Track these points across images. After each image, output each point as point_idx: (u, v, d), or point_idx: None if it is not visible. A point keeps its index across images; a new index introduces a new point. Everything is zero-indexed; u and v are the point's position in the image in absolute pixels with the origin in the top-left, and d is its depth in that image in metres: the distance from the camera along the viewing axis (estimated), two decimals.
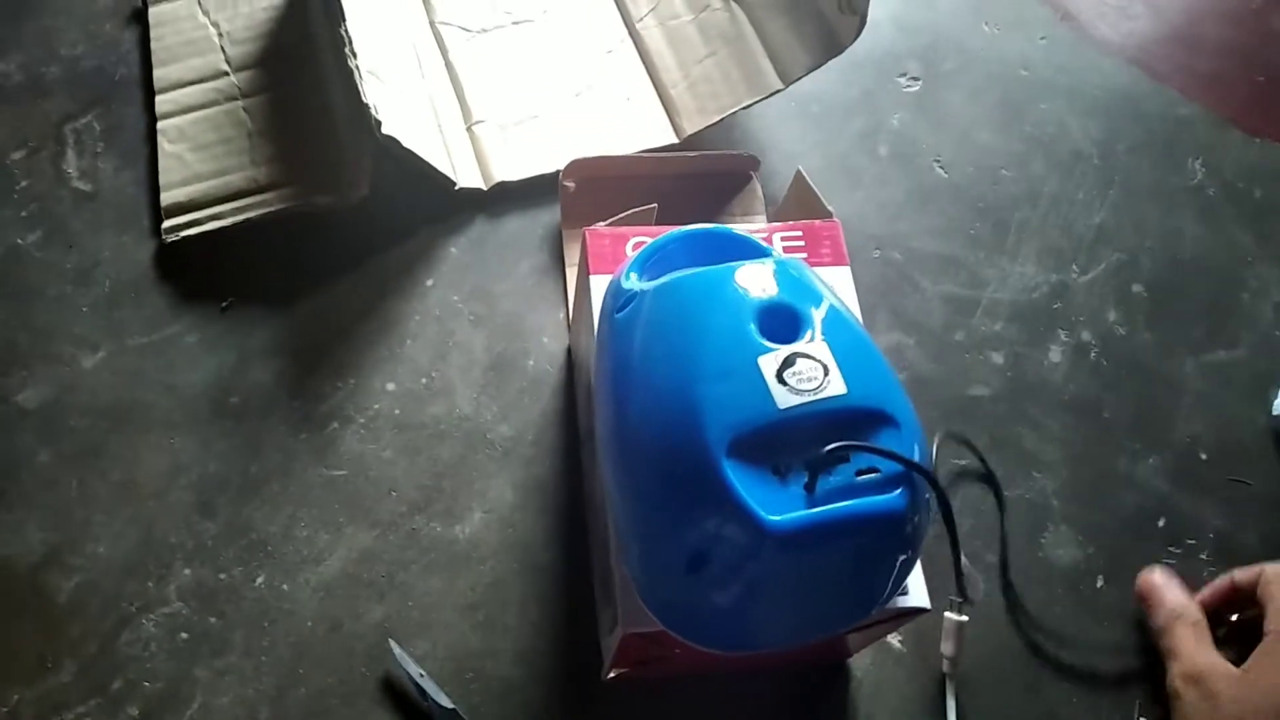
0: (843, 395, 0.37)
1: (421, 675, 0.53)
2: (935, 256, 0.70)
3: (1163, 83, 0.79)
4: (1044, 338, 0.67)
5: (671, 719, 0.54)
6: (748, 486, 0.36)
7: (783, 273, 0.41)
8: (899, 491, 0.36)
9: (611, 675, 0.53)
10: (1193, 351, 0.68)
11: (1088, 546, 0.61)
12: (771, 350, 0.38)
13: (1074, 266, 0.71)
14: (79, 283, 0.63)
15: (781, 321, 0.39)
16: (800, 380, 0.37)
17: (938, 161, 0.74)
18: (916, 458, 0.37)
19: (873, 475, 0.37)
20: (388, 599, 0.56)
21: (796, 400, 0.37)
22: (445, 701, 0.52)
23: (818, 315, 0.39)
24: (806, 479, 0.37)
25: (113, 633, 0.53)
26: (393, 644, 0.53)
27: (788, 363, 0.37)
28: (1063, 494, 0.62)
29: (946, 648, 0.54)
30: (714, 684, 0.54)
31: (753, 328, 0.38)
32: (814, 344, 0.38)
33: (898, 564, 0.38)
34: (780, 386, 0.37)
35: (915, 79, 0.78)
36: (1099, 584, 0.59)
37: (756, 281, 0.40)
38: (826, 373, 0.37)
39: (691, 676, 0.54)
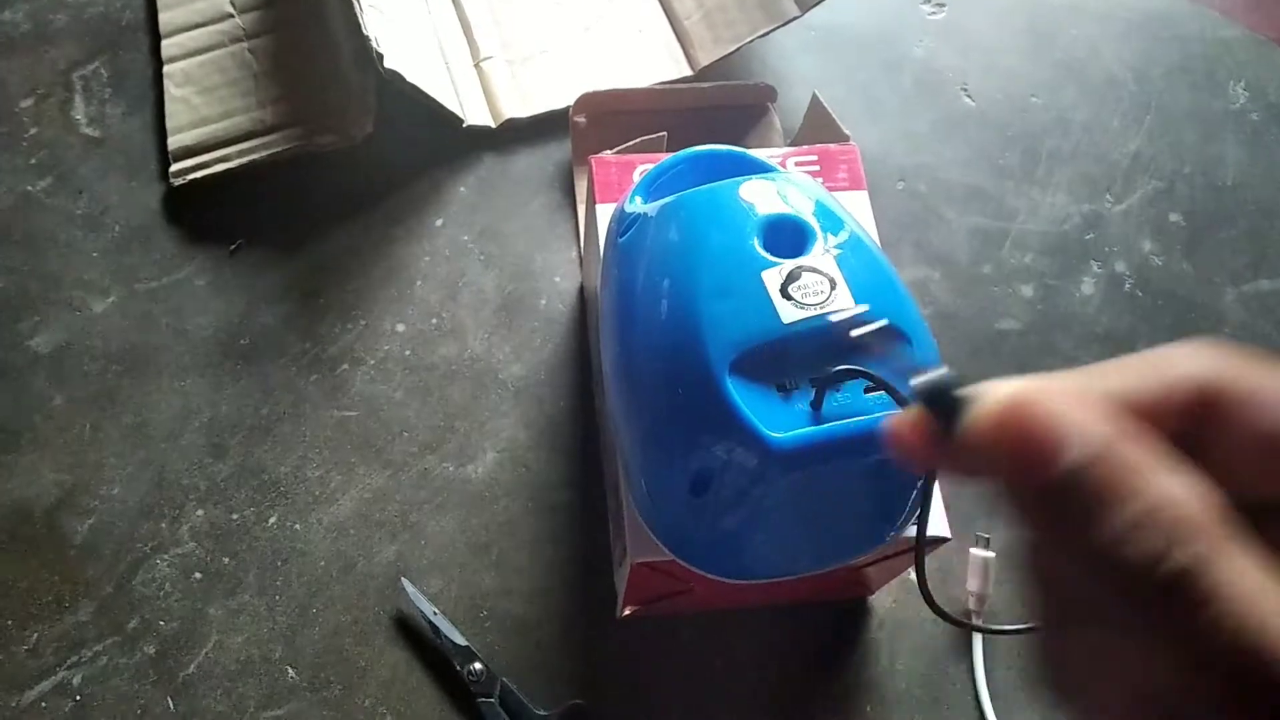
0: (850, 310, 0.35)
1: (435, 614, 0.52)
2: (962, 187, 0.67)
3: (1201, 2, 0.76)
4: (1076, 269, 0.65)
5: (687, 657, 0.53)
6: (751, 404, 0.35)
7: (789, 188, 0.39)
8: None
9: (626, 613, 0.52)
10: (1233, 281, 0.65)
11: None
12: (775, 264, 0.36)
13: (1108, 195, 0.68)
14: (88, 228, 0.63)
15: (786, 236, 0.37)
16: (805, 294, 0.35)
17: (964, 89, 0.71)
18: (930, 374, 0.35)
19: (882, 393, 0.35)
20: (400, 538, 0.55)
21: (800, 314, 0.35)
22: (459, 639, 0.52)
23: (825, 230, 0.37)
24: (813, 396, 0.35)
25: (128, 573, 0.54)
26: (405, 583, 0.53)
27: (792, 276, 0.36)
28: None
29: (973, 584, 0.53)
30: (730, 621, 0.53)
31: (756, 242, 0.37)
32: (820, 258, 0.36)
33: (911, 487, 0.36)
34: (784, 301, 0.35)
35: (940, 5, 0.75)
36: None
37: (761, 196, 0.39)
38: (833, 286, 0.36)
39: (707, 614, 0.53)
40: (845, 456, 0.34)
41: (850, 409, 0.34)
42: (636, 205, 0.44)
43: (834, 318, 0.34)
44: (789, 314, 0.35)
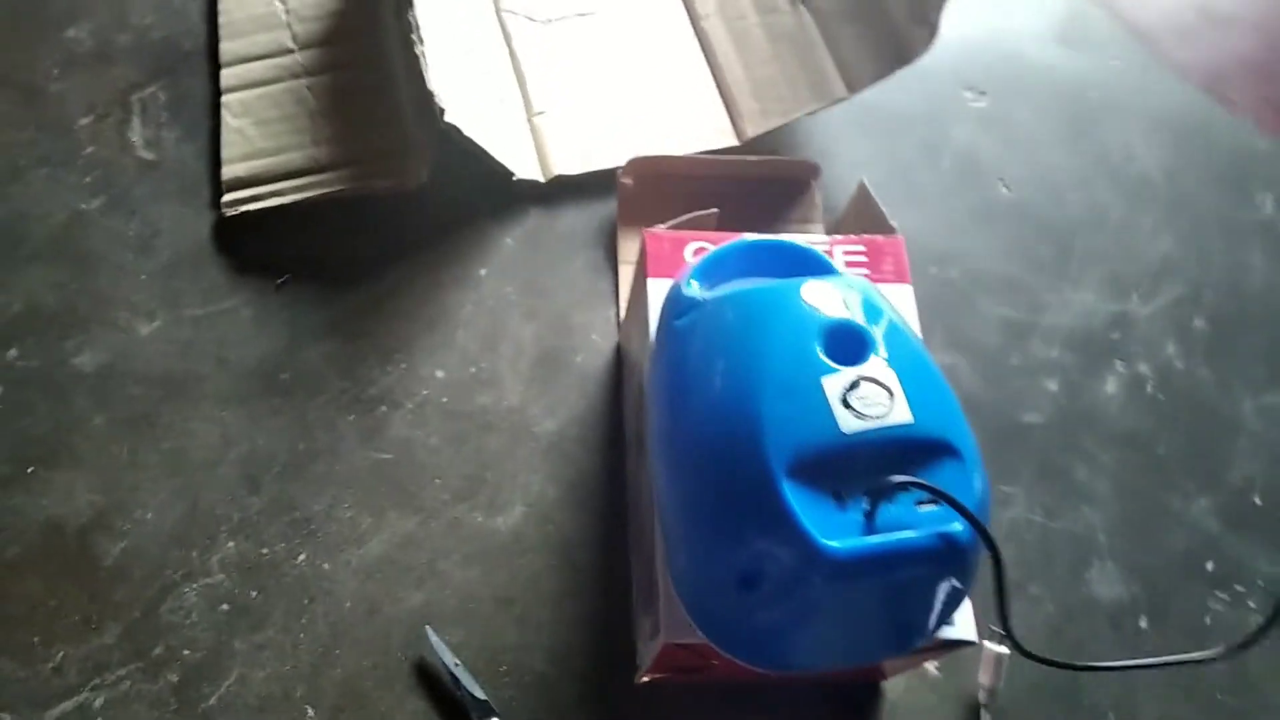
0: (908, 424, 0.36)
1: (456, 665, 0.53)
2: (995, 277, 0.69)
3: (1238, 113, 0.78)
4: (1100, 367, 0.66)
5: None
6: (806, 509, 0.36)
7: (849, 291, 0.41)
8: (961, 526, 0.35)
9: (645, 680, 0.53)
10: (1252, 391, 0.66)
11: (1133, 585, 0.60)
12: (836, 372, 0.37)
13: (1135, 296, 0.69)
14: (139, 251, 0.64)
15: (847, 342, 0.38)
16: (865, 405, 0.37)
17: (1002, 180, 0.73)
18: (977, 490, 0.37)
19: (934, 508, 0.36)
20: (427, 585, 0.56)
21: (861, 425, 0.36)
22: (479, 693, 0.53)
23: (884, 338, 0.39)
24: (867, 506, 0.36)
25: (156, 599, 0.54)
26: (429, 631, 0.54)
27: (853, 386, 0.37)
28: (1111, 529, 0.61)
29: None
30: (746, 694, 0.54)
31: (817, 347, 0.38)
32: (880, 368, 0.37)
33: (951, 597, 0.37)
34: (844, 410, 0.37)
35: (982, 93, 0.76)
36: (1142, 624, 0.58)
37: (823, 299, 0.40)
38: (892, 398, 0.37)
39: (724, 685, 0.54)
40: (896, 569, 0.35)
41: (902, 521, 0.36)
42: (694, 290, 0.45)
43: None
44: (849, 424, 0.36)
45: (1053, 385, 0.65)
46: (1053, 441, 0.63)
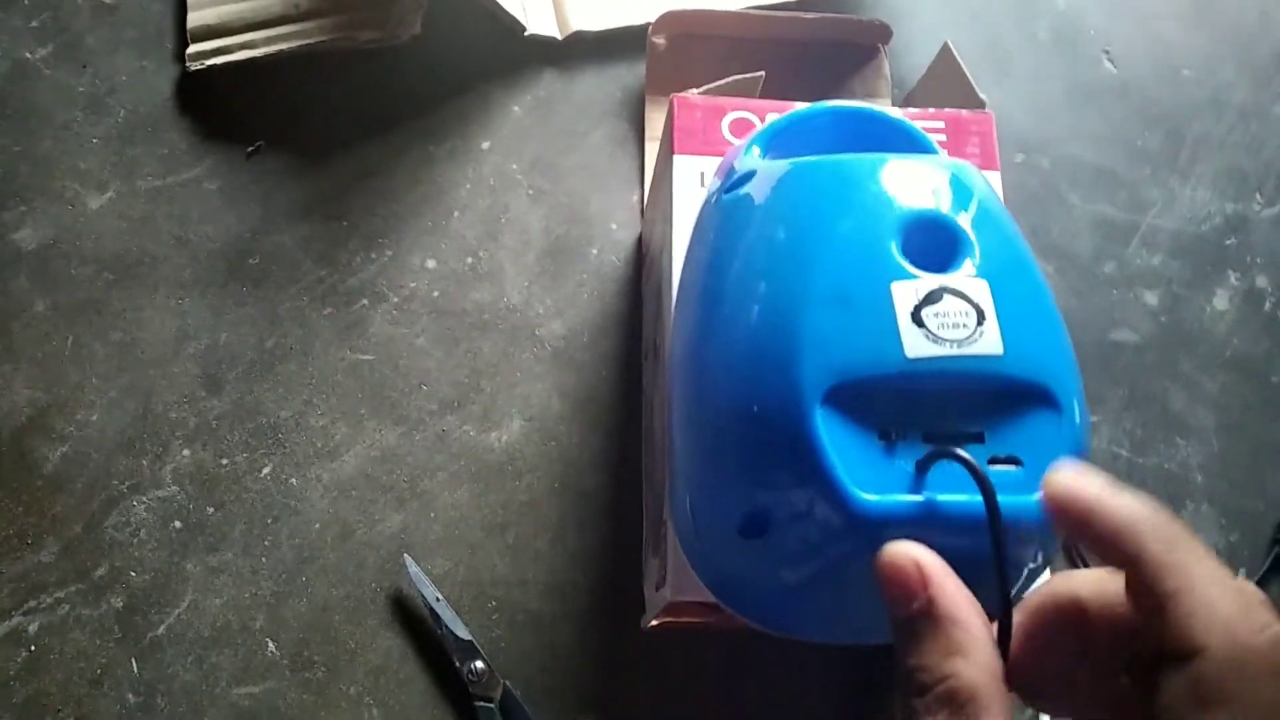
0: (995, 356, 0.27)
1: (438, 599, 0.46)
2: (1091, 168, 0.58)
3: None
4: (1210, 279, 0.56)
5: (716, 678, 0.47)
6: (842, 449, 0.27)
7: (945, 175, 0.31)
8: (1037, 498, 0.26)
9: (654, 624, 0.46)
10: None
11: (1231, 533, 0.51)
12: (913, 278, 0.28)
13: (1258, 196, 0.58)
14: (91, 110, 0.55)
15: (933, 241, 0.29)
16: (942, 325, 0.27)
17: (1106, 53, 0.61)
18: (1075, 454, 0.28)
19: (1012, 469, 0.27)
20: (407, 507, 0.49)
21: (933, 350, 0.27)
22: (462, 632, 0.46)
23: (982, 242, 0.29)
24: (920, 455, 0.27)
25: (100, 513, 0.48)
26: (408, 560, 0.47)
27: (931, 298, 0.28)
28: (1209, 468, 0.52)
29: None
30: (766, 644, 0.47)
31: (894, 244, 0.29)
32: (971, 279, 0.28)
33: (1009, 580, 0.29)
34: (914, 328, 0.28)
35: None
36: (1239, 578, 0.50)
37: (911, 184, 0.30)
38: (980, 320, 0.28)
39: (741, 632, 0.47)
40: (944, 538, 0.27)
41: (962, 480, 0.27)
42: (753, 159, 0.36)
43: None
44: (916, 346, 0.27)
45: (1152, 298, 0.55)
46: (1148, 364, 0.54)
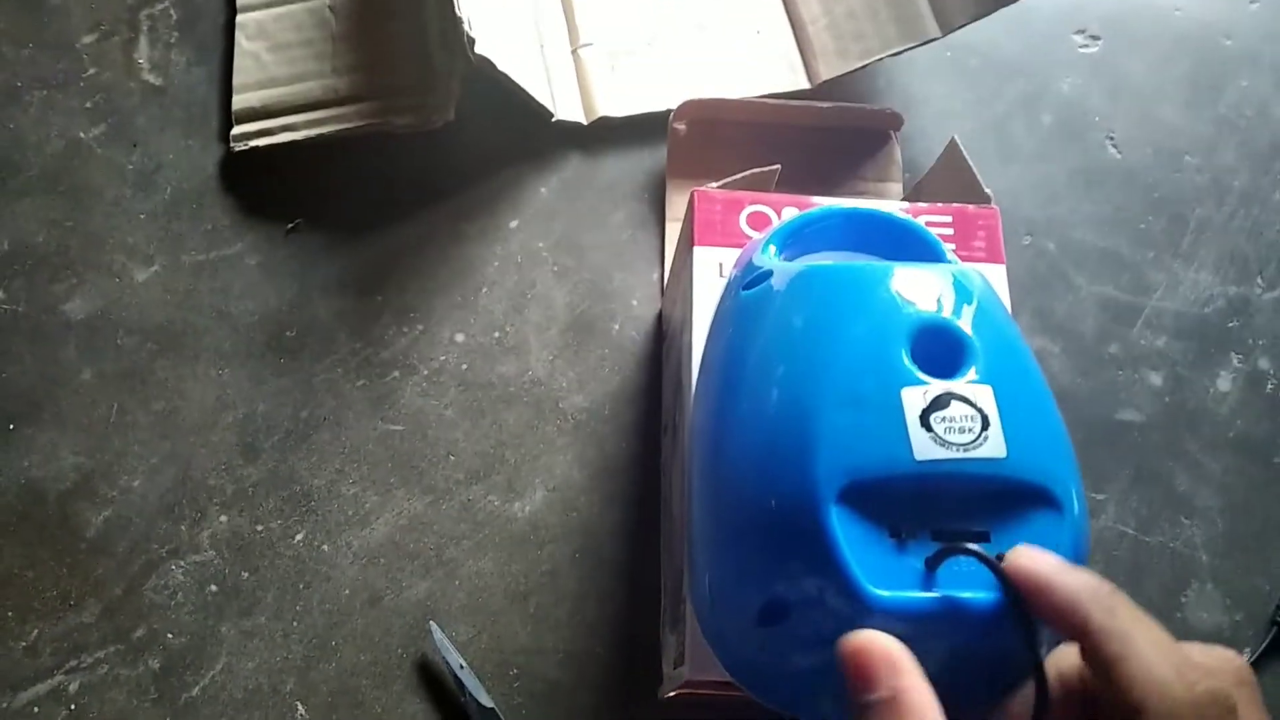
0: (998, 460, 0.29)
1: (462, 667, 0.48)
2: (1096, 250, 0.60)
3: None
4: (1214, 361, 0.58)
5: None
6: (855, 545, 0.29)
7: (956, 286, 0.33)
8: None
9: (671, 695, 0.47)
10: None
11: (1235, 612, 0.52)
12: (922, 383, 0.30)
13: (1259, 280, 0.60)
14: (139, 186, 0.58)
15: (941, 348, 0.31)
16: (950, 429, 0.29)
17: (1110, 139, 0.63)
18: (1075, 553, 0.29)
19: None
20: (433, 575, 0.50)
21: (940, 454, 0.29)
22: (485, 699, 0.47)
23: (987, 349, 0.31)
24: (930, 553, 0.29)
25: (140, 576, 0.50)
26: (434, 627, 0.48)
27: (938, 403, 0.30)
28: (1214, 547, 0.53)
29: None
30: (777, 718, 0.48)
31: (904, 350, 0.31)
32: (975, 385, 0.30)
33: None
34: (923, 432, 0.29)
35: (1094, 38, 0.67)
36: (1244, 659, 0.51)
37: (919, 289, 0.32)
38: (985, 425, 0.29)
39: (753, 704, 0.48)
40: (954, 634, 0.28)
41: (969, 577, 0.28)
42: (769, 258, 0.38)
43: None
44: (925, 450, 0.29)
45: (1156, 379, 0.57)
46: (1152, 444, 0.55)
